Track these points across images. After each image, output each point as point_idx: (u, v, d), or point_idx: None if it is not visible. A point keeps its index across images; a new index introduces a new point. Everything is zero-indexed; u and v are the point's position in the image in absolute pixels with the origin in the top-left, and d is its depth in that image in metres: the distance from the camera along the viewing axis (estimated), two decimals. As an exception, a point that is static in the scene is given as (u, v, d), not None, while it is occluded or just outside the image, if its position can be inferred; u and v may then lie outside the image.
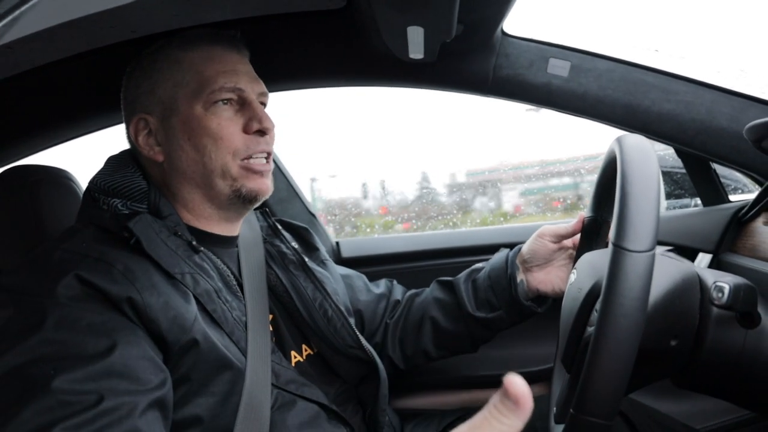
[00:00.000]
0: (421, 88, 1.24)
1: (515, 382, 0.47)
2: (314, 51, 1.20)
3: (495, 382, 0.50)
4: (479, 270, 1.16)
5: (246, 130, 0.91)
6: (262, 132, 0.92)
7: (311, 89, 1.32)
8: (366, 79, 1.26)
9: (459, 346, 1.17)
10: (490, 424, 0.47)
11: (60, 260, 0.75)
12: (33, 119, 1.30)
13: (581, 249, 0.98)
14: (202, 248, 0.88)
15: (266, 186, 0.93)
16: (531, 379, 1.31)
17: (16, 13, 1.11)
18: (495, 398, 0.47)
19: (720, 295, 0.66)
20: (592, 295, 0.69)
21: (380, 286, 1.24)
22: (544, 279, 1.08)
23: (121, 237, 0.80)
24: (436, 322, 1.14)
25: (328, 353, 1.01)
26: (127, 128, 0.95)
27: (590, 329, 0.68)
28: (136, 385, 0.68)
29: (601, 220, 0.94)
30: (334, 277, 1.15)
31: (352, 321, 1.04)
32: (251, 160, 0.91)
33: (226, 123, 0.90)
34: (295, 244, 1.09)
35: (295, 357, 0.98)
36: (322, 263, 1.14)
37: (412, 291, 1.23)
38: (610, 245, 0.59)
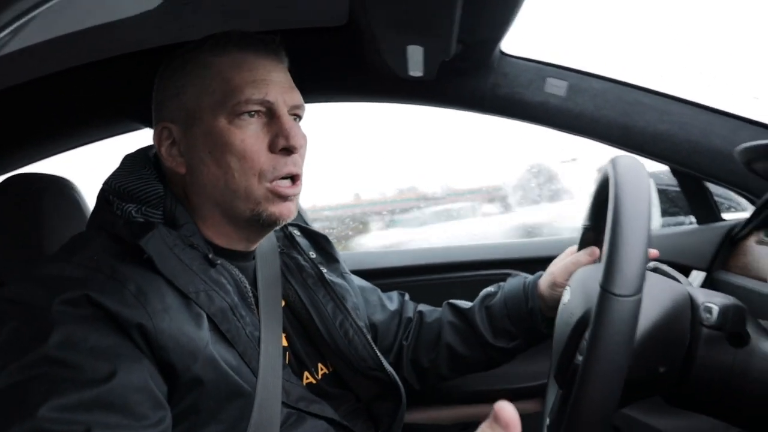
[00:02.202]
0: (420, 104, 1.26)
1: (505, 408, 0.47)
2: (314, 67, 1.22)
3: (491, 398, 0.51)
4: (492, 296, 1.09)
5: (272, 147, 0.83)
6: (289, 150, 0.83)
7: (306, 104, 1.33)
8: (365, 95, 1.28)
9: (475, 369, 1.13)
10: None
11: (69, 276, 0.71)
12: (36, 128, 1.32)
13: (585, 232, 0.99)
14: (219, 261, 0.82)
15: (289, 211, 0.85)
16: (526, 394, 1.34)
17: (18, 23, 1.13)
18: (485, 425, 0.48)
19: (709, 315, 0.67)
20: (582, 324, 0.70)
21: (393, 301, 1.17)
22: None
23: (133, 248, 0.75)
24: (453, 348, 1.09)
25: (347, 373, 0.96)
26: (153, 135, 0.89)
27: (579, 357, 0.70)
28: (130, 420, 0.64)
29: (599, 229, 0.95)
30: (354, 290, 1.08)
31: (372, 339, 0.98)
32: (278, 183, 0.83)
33: (251, 139, 0.82)
34: (313, 254, 1.03)
35: (308, 378, 0.93)
36: (341, 276, 1.06)
37: (420, 308, 1.17)
38: (599, 287, 0.60)
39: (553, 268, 1.03)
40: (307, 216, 1.60)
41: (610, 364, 0.57)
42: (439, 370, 1.10)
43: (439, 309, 1.15)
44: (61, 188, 1.12)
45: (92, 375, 0.63)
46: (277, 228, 0.91)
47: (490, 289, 1.12)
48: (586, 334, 0.61)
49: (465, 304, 1.13)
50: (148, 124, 1.27)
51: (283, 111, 0.84)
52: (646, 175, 0.66)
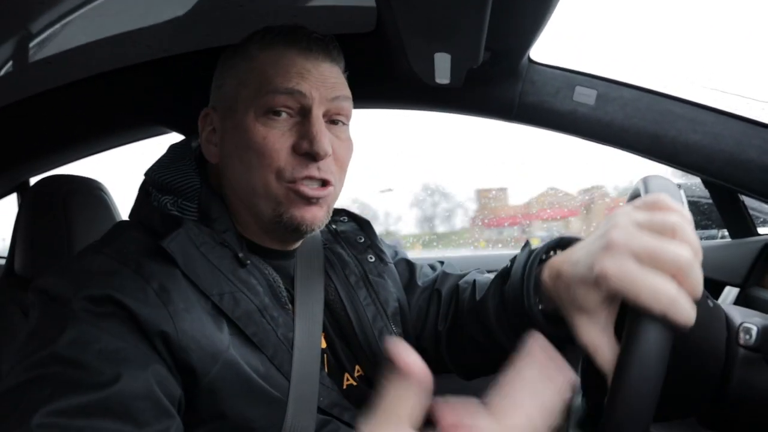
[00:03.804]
0: (446, 112, 1.25)
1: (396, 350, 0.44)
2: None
3: None
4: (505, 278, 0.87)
5: (296, 148, 0.79)
6: (311, 156, 0.78)
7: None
8: (391, 102, 1.27)
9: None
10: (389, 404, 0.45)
11: (97, 270, 0.71)
12: (68, 131, 1.34)
13: None
14: (249, 261, 0.79)
15: (313, 216, 0.80)
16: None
17: (52, 30, 1.15)
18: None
19: (747, 337, 0.65)
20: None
21: (429, 278, 1.04)
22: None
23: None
24: (474, 339, 0.91)
25: (380, 381, 0.92)
26: (199, 118, 0.88)
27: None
28: (130, 427, 0.62)
29: None
30: (396, 285, 0.99)
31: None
32: (301, 182, 0.79)
33: (274, 138, 0.78)
34: (362, 238, 0.98)
35: (348, 380, 0.89)
36: (386, 264, 0.99)
37: (472, 277, 0.99)
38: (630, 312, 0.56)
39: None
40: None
41: (640, 392, 0.55)
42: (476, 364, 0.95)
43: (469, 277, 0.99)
44: (90, 189, 1.14)
45: (97, 379, 0.62)
46: (307, 235, 0.86)
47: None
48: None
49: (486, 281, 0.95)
50: (176, 129, 1.29)
51: (317, 111, 0.79)
52: (680, 199, 0.63)
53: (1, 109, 1.27)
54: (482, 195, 3.16)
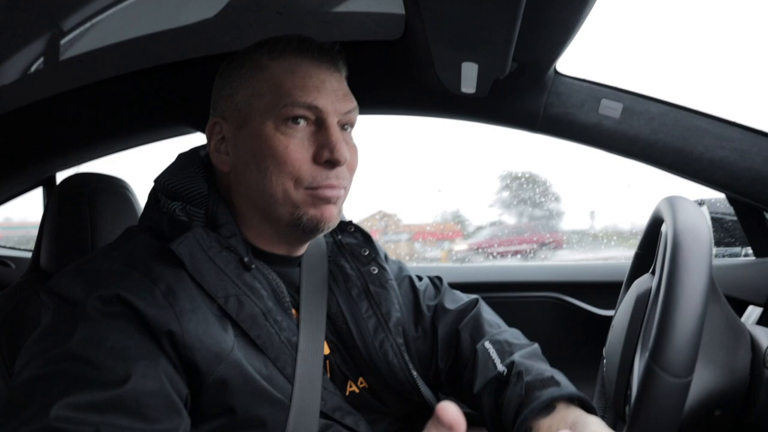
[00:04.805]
0: (470, 121, 1.25)
1: (448, 408, 0.46)
2: (366, 79, 1.22)
3: None
4: (503, 386, 0.91)
5: (316, 158, 0.81)
6: (332, 163, 0.81)
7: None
8: (416, 109, 1.27)
9: None
10: None
11: (107, 272, 0.74)
12: (95, 128, 1.36)
13: (630, 280, 0.96)
14: (254, 265, 0.81)
15: (330, 214, 0.83)
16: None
17: (82, 28, 1.17)
18: (429, 424, 0.47)
19: (775, 360, 0.64)
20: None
21: (432, 302, 1.05)
22: None
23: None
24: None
25: (383, 392, 0.93)
26: (207, 128, 0.89)
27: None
28: (142, 424, 0.64)
29: (649, 257, 0.93)
30: (398, 297, 1.00)
31: (410, 361, 0.93)
32: (319, 190, 0.82)
33: (295, 147, 0.81)
34: (366, 251, 1.00)
35: (351, 387, 0.91)
36: (387, 280, 0.99)
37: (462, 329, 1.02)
38: (646, 360, 0.56)
39: None
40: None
41: (662, 415, 0.54)
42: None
43: (478, 335, 1.01)
44: (115, 188, 1.15)
45: (109, 376, 0.64)
46: (324, 234, 0.88)
47: (501, 370, 0.92)
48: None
49: (487, 364, 0.95)
50: (201, 129, 1.30)
51: (332, 121, 0.82)
52: (708, 242, 0.60)
53: (31, 104, 1.29)
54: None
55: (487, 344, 0.97)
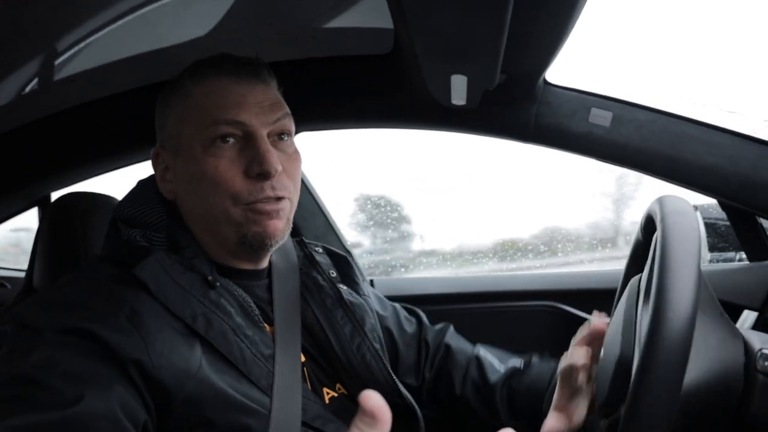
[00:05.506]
0: (461, 132, 1.26)
1: (371, 396, 0.44)
2: (356, 92, 1.24)
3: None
4: (518, 375, 1.05)
5: (248, 172, 0.82)
6: (264, 175, 0.81)
7: (347, 129, 1.35)
8: (406, 122, 1.28)
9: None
10: None
11: (70, 302, 0.74)
12: (90, 147, 1.36)
13: (625, 280, 0.96)
14: (218, 283, 0.82)
15: (275, 228, 0.83)
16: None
17: (79, 47, 1.18)
18: (355, 419, 0.44)
19: (767, 363, 0.64)
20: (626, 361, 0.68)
21: (412, 323, 1.14)
22: None
23: (132, 273, 0.77)
24: (470, 404, 1.06)
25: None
26: (151, 159, 0.91)
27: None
28: None
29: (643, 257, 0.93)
30: (372, 312, 1.06)
31: (388, 363, 0.97)
32: (257, 204, 0.82)
33: (225, 166, 0.81)
34: (333, 272, 1.03)
35: (329, 393, 0.92)
36: (360, 296, 1.04)
37: (448, 340, 1.13)
38: (639, 360, 0.56)
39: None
40: (345, 240, 1.61)
41: (654, 418, 0.54)
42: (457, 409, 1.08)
43: (468, 348, 1.12)
44: (109, 207, 1.15)
45: (57, 398, 0.64)
46: (272, 249, 0.89)
47: (517, 364, 1.06)
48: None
49: (492, 365, 1.08)
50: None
51: (260, 133, 0.83)
52: (696, 227, 0.61)
53: (26, 125, 1.30)
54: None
55: (483, 351, 1.08)
